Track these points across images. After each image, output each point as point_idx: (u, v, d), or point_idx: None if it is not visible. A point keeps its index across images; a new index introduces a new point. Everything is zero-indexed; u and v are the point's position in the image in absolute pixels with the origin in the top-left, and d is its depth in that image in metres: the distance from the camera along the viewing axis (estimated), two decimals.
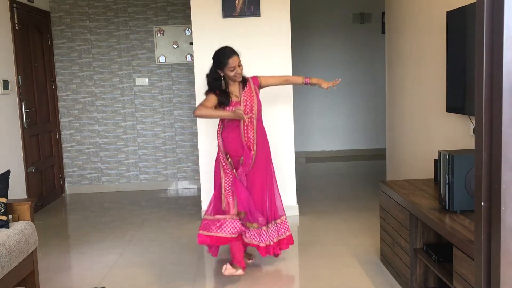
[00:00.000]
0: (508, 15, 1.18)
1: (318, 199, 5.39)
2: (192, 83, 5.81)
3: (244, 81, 3.41)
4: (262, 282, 3.34)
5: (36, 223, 3.36)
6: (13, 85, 4.92)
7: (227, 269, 3.28)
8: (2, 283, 2.63)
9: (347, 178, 6.52)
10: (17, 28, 5.01)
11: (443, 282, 2.79)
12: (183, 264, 3.65)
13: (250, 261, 3.60)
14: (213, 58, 3.35)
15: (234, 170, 3.34)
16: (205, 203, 4.64)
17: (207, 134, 4.57)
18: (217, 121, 3.48)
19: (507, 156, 1.21)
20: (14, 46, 4.97)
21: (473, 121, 3.14)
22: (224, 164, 3.36)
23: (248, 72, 3.49)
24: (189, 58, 5.97)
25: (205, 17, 4.55)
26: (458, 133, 3.49)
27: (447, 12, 3.40)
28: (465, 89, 3.24)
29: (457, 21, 3.30)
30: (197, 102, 4.20)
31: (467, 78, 3.19)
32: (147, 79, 6.03)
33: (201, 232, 3.33)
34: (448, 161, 2.61)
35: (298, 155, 6.24)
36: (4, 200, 2.94)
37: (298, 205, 4.78)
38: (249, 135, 3.35)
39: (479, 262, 1.32)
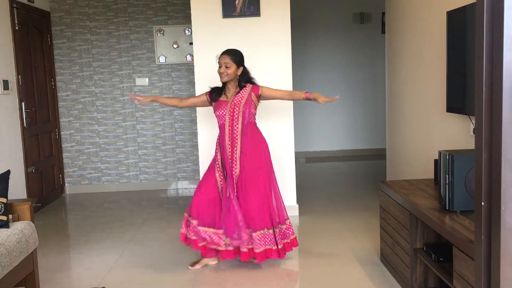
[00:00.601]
0: (508, 15, 1.18)
1: (318, 199, 5.39)
2: (192, 83, 5.81)
3: (242, 86, 3.47)
4: (262, 282, 3.34)
5: (36, 223, 3.36)
6: (13, 85, 4.92)
7: (199, 263, 3.54)
8: (2, 283, 2.63)
9: (347, 178, 6.52)
10: (17, 28, 5.01)
11: (443, 282, 2.79)
12: (183, 264, 3.65)
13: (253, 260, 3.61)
14: None
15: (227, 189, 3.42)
16: None
17: (207, 134, 4.57)
18: (216, 121, 3.55)
19: (507, 156, 1.22)
20: (14, 46, 4.97)
21: (473, 121, 3.14)
22: (218, 167, 3.48)
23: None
24: (189, 58, 5.97)
25: (205, 17, 4.54)
26: (458, 133, 3.48)
27: (447, 12, 3.40)
28: (465, 89, 3.23)
29: (457, 21, 3.30)
30: None
31: (467, 78, 3.18)
32: (147, 79, 6.03)
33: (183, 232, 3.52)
34: (448, 161, 2.61)
35: (298, 155, 6.24)
36: (4, 200, 2.94)
37: (298, 205, 4.78)
38: (234, 140, 3.43)
39: (479, 262, 1.32)
